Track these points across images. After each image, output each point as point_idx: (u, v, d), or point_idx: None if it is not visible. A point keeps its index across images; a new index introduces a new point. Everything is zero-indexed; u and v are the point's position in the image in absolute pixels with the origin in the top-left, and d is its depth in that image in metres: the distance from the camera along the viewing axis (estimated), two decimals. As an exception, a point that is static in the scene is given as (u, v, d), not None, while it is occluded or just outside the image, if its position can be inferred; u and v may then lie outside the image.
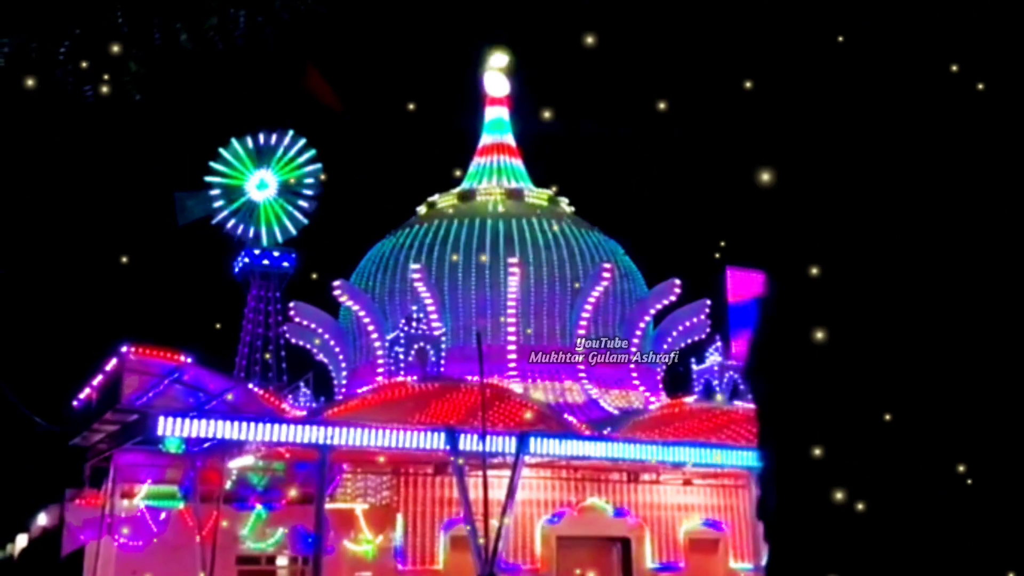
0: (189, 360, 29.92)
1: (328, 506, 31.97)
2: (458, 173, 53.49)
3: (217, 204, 53.47)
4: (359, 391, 38.45)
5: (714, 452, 35.89)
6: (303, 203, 54.68)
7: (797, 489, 4.08)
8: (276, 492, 33.99)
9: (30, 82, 6.83)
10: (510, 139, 54.95)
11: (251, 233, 54.30)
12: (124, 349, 29.86)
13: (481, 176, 53.25)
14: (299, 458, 33.54)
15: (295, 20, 7.41)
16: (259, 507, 33.06)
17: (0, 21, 6.51)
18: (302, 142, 54.59)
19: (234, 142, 53.81)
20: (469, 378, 34.49)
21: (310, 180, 54.59)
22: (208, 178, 53.96)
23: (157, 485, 33.30)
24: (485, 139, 54.80)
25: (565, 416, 36.69)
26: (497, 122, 55.25)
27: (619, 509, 38.24)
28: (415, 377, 36.42)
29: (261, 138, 54.02)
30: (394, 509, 35.48)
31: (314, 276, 50.77)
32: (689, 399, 40.53)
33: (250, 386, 32.47)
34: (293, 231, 54.64)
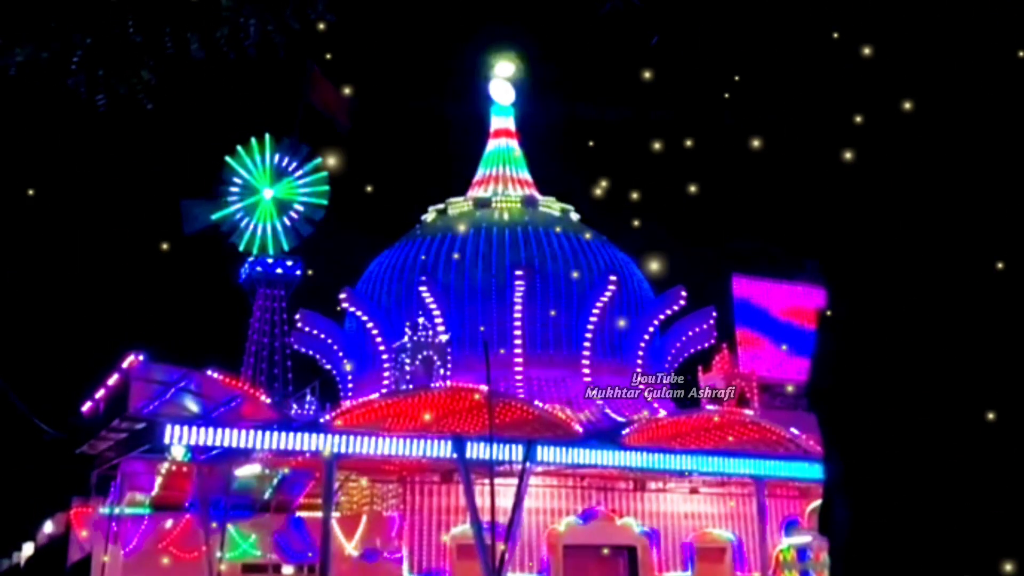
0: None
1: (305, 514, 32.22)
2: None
3: (238, 219, 52.39)
4: (339, 409, 38.24)
5: (720, 460, 35.78)
6: (310, 210, 54.11)
7: (873, 505, 3.94)
8: (256, 500, 33.84)
9: (41, 91, 6.88)
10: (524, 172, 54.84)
11: (284, 225, 52.74)
12: (125, 365, 30.18)
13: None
14: (293, 466, 33.48)
15: (305, 29, 7.45)
16: (263, 515, 33.02)
17: (11, 30, 6.56)
18: (305, 151, 54.06)
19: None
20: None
21: (312, 187, 53.97)
22: (221, 188, 53.30)
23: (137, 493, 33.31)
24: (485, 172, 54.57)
25: (540, 403, 36.28)
26: (502, 152, 54.96)
27: (629, 518, 38.17)
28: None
29: (259, 158, 52.96)
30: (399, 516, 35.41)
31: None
32: (662, 414, 40.39)
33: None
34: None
